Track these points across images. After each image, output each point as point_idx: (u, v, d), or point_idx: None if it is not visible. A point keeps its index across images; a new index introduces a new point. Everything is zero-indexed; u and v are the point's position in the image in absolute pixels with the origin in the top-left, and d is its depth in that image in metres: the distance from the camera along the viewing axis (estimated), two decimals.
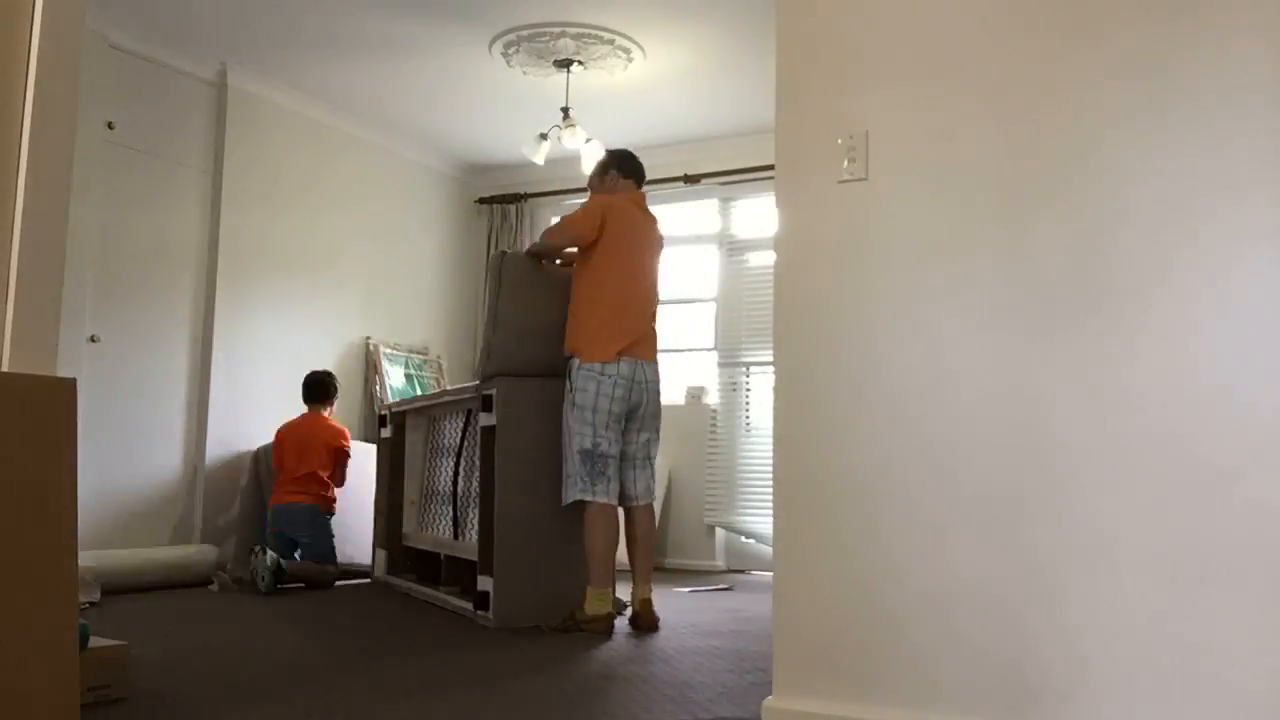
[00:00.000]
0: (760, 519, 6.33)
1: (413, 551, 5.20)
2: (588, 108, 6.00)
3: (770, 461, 2.45)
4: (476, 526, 4.17)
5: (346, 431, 5.62)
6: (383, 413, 5.58)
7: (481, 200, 7.65)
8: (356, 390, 6.59)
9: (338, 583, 5.26)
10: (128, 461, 5.21)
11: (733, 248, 6.75)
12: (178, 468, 5.44)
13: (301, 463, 5.31)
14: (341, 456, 5.50)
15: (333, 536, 5.30)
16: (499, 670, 3.11)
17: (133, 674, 2.73)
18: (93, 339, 5.04)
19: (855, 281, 2.34)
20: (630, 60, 5.52)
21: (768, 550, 6.01)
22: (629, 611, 4.00)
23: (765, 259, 6.53)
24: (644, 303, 4.04)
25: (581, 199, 7.34)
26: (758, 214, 6.74)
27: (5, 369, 1.93)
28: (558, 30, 5.22)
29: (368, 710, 2.56)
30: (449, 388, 5.72)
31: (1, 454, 1.50)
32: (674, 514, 6.63)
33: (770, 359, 5.15)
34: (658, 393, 4.02)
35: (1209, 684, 1.90)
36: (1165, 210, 2.03)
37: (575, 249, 4.10)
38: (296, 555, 5.19)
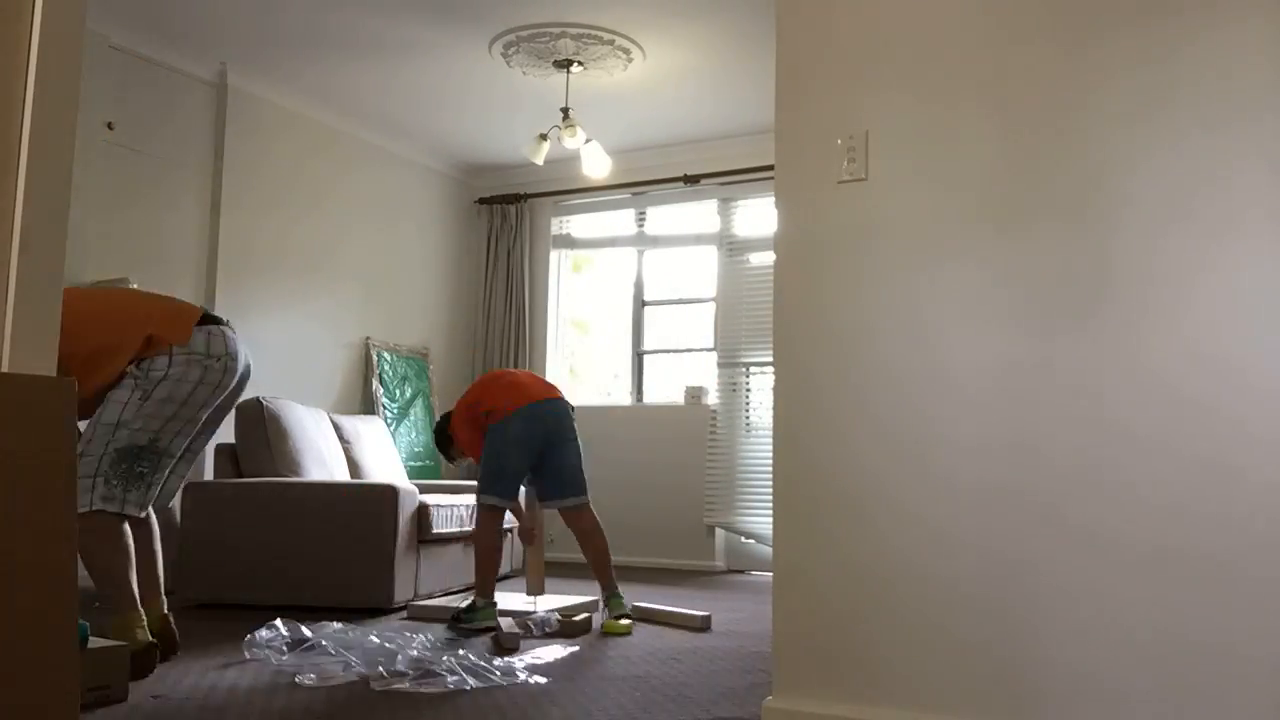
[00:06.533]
0: (760, 519, 6.33)
1: None
2: (588, 108, 6.00)
3: (770, 461, 2.45)
4: None
5: None
6: None
7: (481, 200, 7.65)
8: (356, 391, 6.59)
9: None
10: None
11: (733, 248, 6.74)
12: None
13: None
14: None
15: None
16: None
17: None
18: None
19: (855, 281, 2.34)
20: (630, 60, 5.52)
21: (768, 550, 6.01)
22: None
23: (765, 259, 6.53)
24: None
25: (580, 199, 7.37)
26: (758, 214, 6.74)
27: (5, 369, 1.93)
28: (558, 30, 5.22)
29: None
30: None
31: (1, 454, 1.50)
32: (674, 514, 6.62)
33: (770, 359, 5.15)
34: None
35: (1210, 684, 1.90)
36: (1164, 209, 2.03)
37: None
38: None
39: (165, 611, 3.21)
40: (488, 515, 3.98)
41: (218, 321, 3.28)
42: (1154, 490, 1.99)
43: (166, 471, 3.21)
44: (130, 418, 3.03)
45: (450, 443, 4.36)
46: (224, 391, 3.26)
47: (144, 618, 3.03)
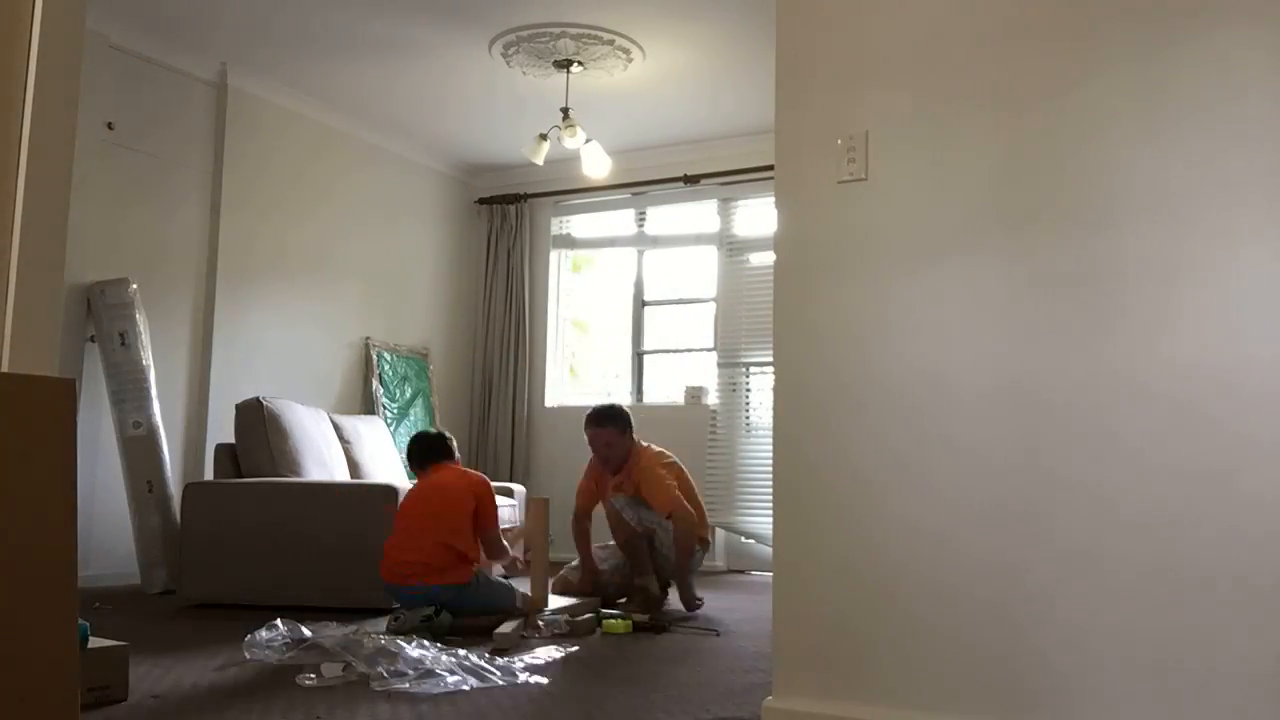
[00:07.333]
0: (760, 519, 6.33)
1: None
2: (587, 108, 6.00)
3: (770, 461, 2.45)
4: None
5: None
6: None
7: (481, 200, 7.65)
8: (356, 391, 6.59)
9: None
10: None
11: (733, 248, 6.75)
12: (178, 468, 5.43)
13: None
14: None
15: None
16: None
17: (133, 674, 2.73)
18: (92, 339, 5.04)
19: (855, 281, 2.34)
20: (630, 60, 5.52)
21: (768, 550, 6.01)
22: None
23: (765, 259, 6.53)
24: None
25: (580, 199, 7.37)
26: (758, 214, 6.74)
27: (5, 369, 1.93)
28: (558, 30, 5.22)
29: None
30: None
31: (1, 454, 1.50)
32: None
33: (770, 359, 5.15)
34: None
35: (1207, 685, 1.90)
36: (1164, 209, 2.03)
37: None
38: None
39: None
40: None
41: None
42: (1155, 490, 1.98)
43: None
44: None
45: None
46: None
47: None
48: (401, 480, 5.18)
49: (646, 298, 7.25)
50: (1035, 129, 2.17)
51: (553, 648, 3.49)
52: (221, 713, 2.52)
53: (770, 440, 2.45)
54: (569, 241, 7.55)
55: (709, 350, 6.87)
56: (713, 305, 6.85)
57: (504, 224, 7.52)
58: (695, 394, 6.79)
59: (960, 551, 2.16)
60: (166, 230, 5.48)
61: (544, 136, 5.75)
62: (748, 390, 6.54)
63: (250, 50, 5.53)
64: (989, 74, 2.23)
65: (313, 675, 2.89)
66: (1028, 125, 2.18)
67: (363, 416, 6.03)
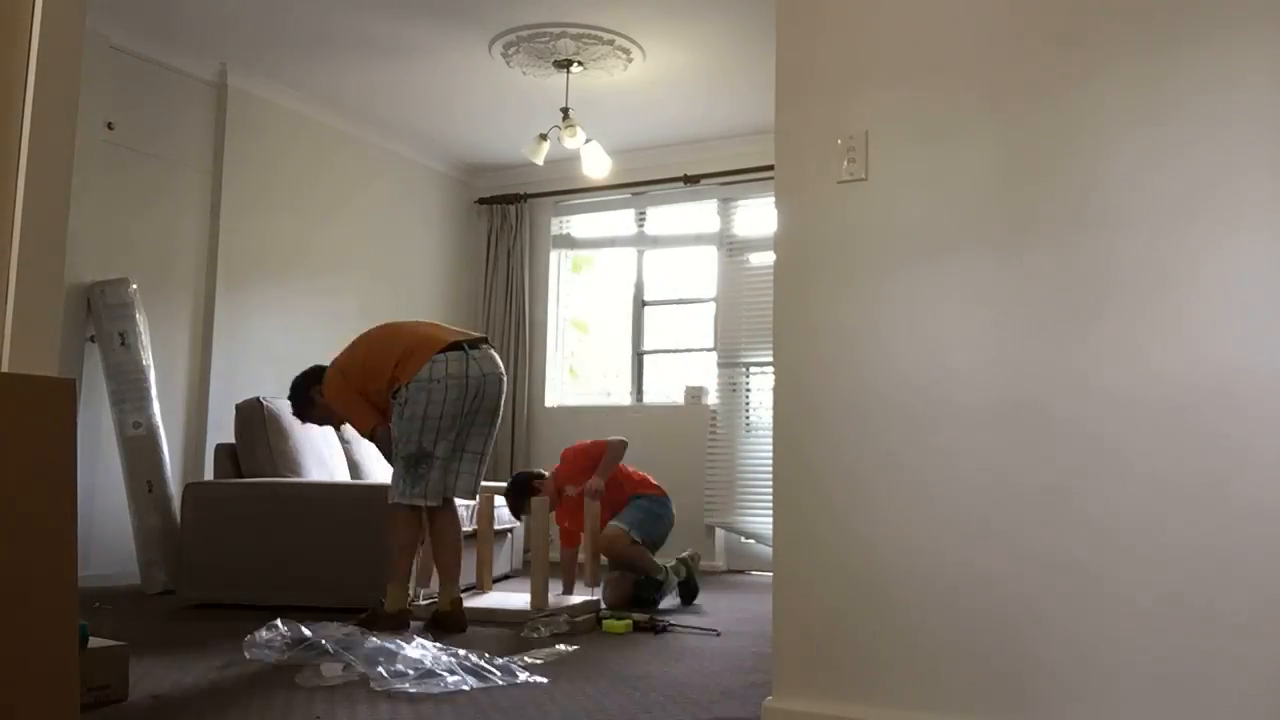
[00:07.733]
0: (760, 519, 6.33)
1: None
2: (587, 108, 6.00)
3: (770, 461, 2.45)
4: None
5: None
6: None
7: (481, 200, 7.65)
8: None
9: None
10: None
11: (733, 248, 6.75)
12: (178, 468, 5.43)
13: None
14: None
15: None
16: None
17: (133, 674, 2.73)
18: (92, 339, 5.04)
19: (855, 281, 2.34)
20: (630, 60, 5.52)
21: (768, 550, 6.01)
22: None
23: (765, 259, 6.53)
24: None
25: (580, 199, 7.37)
26: (758, 214, 6.75)
27: (5, 369, 1.93)
28: (558, 30, 5.22)
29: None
30: None
31: (1, 454, 1.50)
32: (675, 514, 6.61)
33: (770, 359, 5.15)
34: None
35: (1207, 686, 1.90)
36: (1164, 209, 2.03)
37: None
38: None
39: (456, 595, 3.88)
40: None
41: (465, 346, 3.88)
42: (1155, 490, 1.98)
43: (442, 470, 3.83)
44: (399, 435, 3.83)
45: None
46: (464, 403, 3.82)
47: (407, 592, 3.87)
48: None
49: (646, 298, 7.25)
50: (1037, 129, 2.17)
51: (553, 648, 3.49)
52: (221, 713, 2.52)
53: (770, 440, 2.45)
54: (569, 241, 7.56)
55: (709, 350, 6.87)
56: (713, 305, 6.86)
57: (504, 224, 7.52)
58: (695, 394, 6.80)
59: (957, 555, 2.16)
60: (167, 230, 5.48)
61: (544, 136, 5.75)
62: (748, 390, 6.54)
63: (250, 51, 5.53)
64: (989, 74, 2.23)
65: (313, 675, 2.89)
66: (1029, 125, 2.18)
67: None
